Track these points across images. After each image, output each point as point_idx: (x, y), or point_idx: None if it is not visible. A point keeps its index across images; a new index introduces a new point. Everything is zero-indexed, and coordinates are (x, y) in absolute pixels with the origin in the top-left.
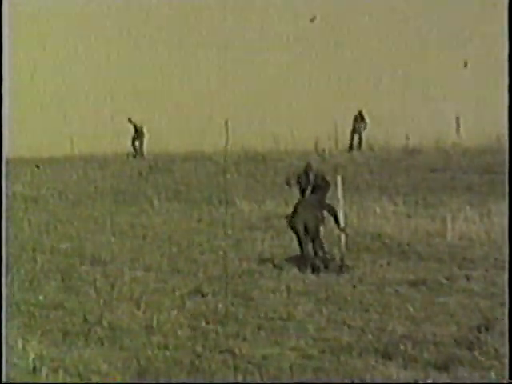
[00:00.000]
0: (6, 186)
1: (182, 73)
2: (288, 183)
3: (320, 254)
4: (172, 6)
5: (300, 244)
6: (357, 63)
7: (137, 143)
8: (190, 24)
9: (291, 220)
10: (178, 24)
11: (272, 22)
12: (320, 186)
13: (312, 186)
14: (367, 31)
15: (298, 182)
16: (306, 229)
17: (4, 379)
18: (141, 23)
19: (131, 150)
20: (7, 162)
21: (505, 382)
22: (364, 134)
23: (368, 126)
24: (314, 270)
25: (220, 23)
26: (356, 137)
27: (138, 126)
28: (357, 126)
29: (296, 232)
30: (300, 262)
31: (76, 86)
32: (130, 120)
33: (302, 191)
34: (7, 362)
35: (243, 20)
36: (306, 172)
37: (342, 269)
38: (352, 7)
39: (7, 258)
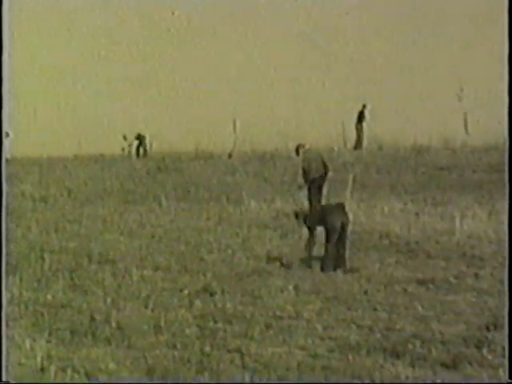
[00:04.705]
0: (14, 185)
1: (191, 72)
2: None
3: (342, 251)
4: (178, 5)
5: (329, 244)
6: (364, 61)
7: (140, 149)
8: (199, 24)
9: (331, 222)
10: (186, 24)
11: (279, 21)
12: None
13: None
14: (374, 28)
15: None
16: (342, 228)
17: (11, 379)
18: (149, 24)
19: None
20: (16, 162)
21: (505, 382)
22: (365, 132)
23: (375, 125)
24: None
25: (227, 23)
26: (359, 134)
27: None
28: (357, 126)
29: (333, 232)
30: (326, 262)
31: (85, 85)
32: (124, 137)
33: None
34: (13, 361)
35: (250, 19)
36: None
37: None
38: (358, 4)
39: (16, 258)
